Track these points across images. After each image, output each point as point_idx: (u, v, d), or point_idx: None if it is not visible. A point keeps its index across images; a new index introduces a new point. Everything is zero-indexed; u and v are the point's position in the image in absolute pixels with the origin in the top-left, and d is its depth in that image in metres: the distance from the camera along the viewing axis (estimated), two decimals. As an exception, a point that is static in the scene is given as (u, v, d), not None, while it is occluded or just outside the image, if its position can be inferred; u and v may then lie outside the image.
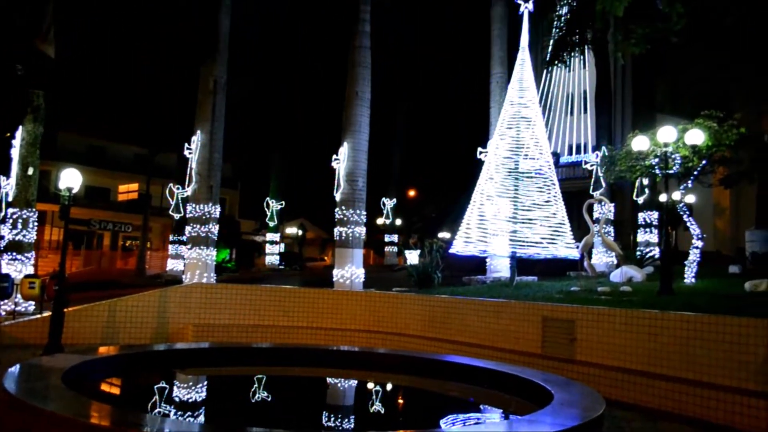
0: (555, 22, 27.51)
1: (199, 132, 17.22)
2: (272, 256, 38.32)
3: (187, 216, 17.22)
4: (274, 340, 14.05)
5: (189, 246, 16.88)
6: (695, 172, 14.55)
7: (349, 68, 17.45)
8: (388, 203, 37.79)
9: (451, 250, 16.75)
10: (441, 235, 43.40)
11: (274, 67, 36.11)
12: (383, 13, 22.75)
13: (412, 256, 37.46)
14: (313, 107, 38.84)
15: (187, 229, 17.02)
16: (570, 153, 38.47)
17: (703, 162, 14.36)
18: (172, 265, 31.06)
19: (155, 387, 8.23)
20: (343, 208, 16.73)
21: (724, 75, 29.06)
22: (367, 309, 14.69)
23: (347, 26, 17.92)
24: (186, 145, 17.41)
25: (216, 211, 17.12)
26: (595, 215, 19.54)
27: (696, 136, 13.07)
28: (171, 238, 33.52)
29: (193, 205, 16.97)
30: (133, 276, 33.63)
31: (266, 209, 38.01)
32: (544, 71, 36.85)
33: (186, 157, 17.45)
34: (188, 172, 17.32)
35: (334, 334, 14.32)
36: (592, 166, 20.40)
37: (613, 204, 20.58)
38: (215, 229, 17.09)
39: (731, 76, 28.54)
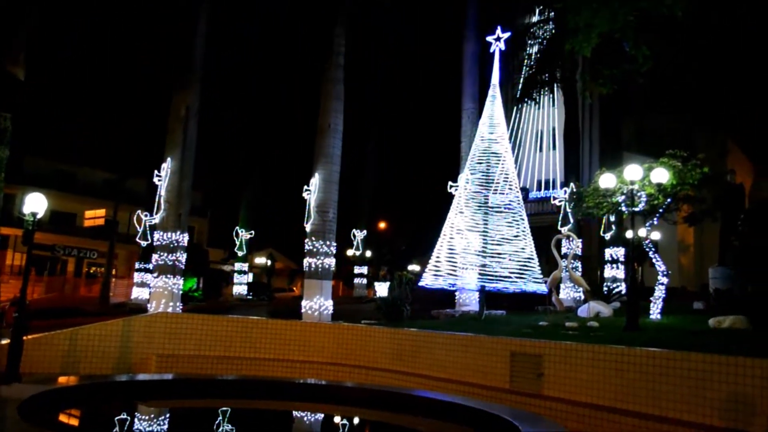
0: (526, 61, 28.08)
1: (169, 159, 17.11)
2: (240, 286, 37.87)
3: (155, 244, 17.01)
4: (240, 372, 13.82)
5: (155, 274, 16.64)
6: (660, 210, 14.82)
7: (322, 100, 17.57)
8: (359, 235, 37.74)
9: (420, 283, 16.76)
10: (411, 267, 43.48)
11: (247, 96, 36.13)
12: (358, 45, 23.02)
13: (382, 288, 37.35)
14: (286, 137, 38.84)
15: (154, 257, 16.80)
16: (539, 188, 38.95)
17: (668, 200, 14.65)
18: (138, 293, 30.46)
19: (116, 419, 8.03)
20: (313, 239, 16.68)
21: (688, 115, 29.86)
22: (336, 341, 14.56)
23: (321, 58, 18.08)
24: (156, 171, 17.26)
25: (184, 239, 16.94)
26: (563, 250, 19.74)
27: (661, 175, 13.35)
28: (137, 265, 32.89)
29: (161, 233, 16.77)
30: (97, 304, 32.91)
31: (235, 238, 37.67)
32: (515, 108, 37.43)
33: (155, 183, 17.29)
34: (157, 199, 17.17)
35: (302, 367, 14.14)
36: (560, 202, 20.67)
37: (580, 240, 20.81)
38: (183, 257, 16.88)
39: (695, 116, 29.33)
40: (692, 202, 16.78)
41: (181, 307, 17.15)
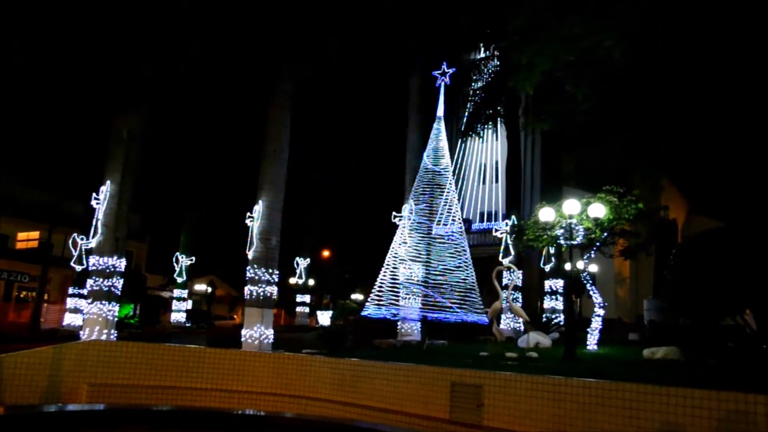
0: (471, 95, 28.68)
1: (108, 182, 16.72)
2: (179, 313, 37.03)
3: (90, 268, 16.51)
4: (176, 403, 13.42)
5: (90, 300, 16.13)
6: (597, 243, 15.24)
7: (268, 126, 17.52)
8: (302, 263, 37.48)
9: (363, 313, 16.71)
10: (354, 296, 43.34)
11: (191, 120, 35.70)
12: (305, 73, 23.10)
13: (324, 317, 37.09)
14: (230, 163, 38.46)
15: (89, 282, 16.30)
16: (481, 220, 39.54)
17: (605, 234, 15.09)
18: (71, 319, 29.42)
19: (42, 452, 7.66)
20: (255, 266, 16.48)
21: (625, 153, 30.87)
22: (276, 371, 14.31)
23: (269, 85, 18.08)
24: (94, 194, 16.82)
25: (121, 264, 16.50)
26: (504, 281, 20.02)
27: (598, 210, 13.77)
28: (71, 290, 31.84)
29: (97, 258, 16.31)
30: (27, 330, 31.57)
31: (175, 264, 36.90)
32: (459, 141, 38.12)
33: (93, 206, 16.84)
34: (94, 223, 16.70)
35: (240, 397, 13.83)
36: (501, 234, 21.03)
37: (521, 271, 21.17)
38: (119, 283, 16.43)
39: (631, 154, 30.34)
40: (627, 237, 17.32)
41: (115, 334, 16.61)
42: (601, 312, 14.87)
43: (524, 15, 10.65)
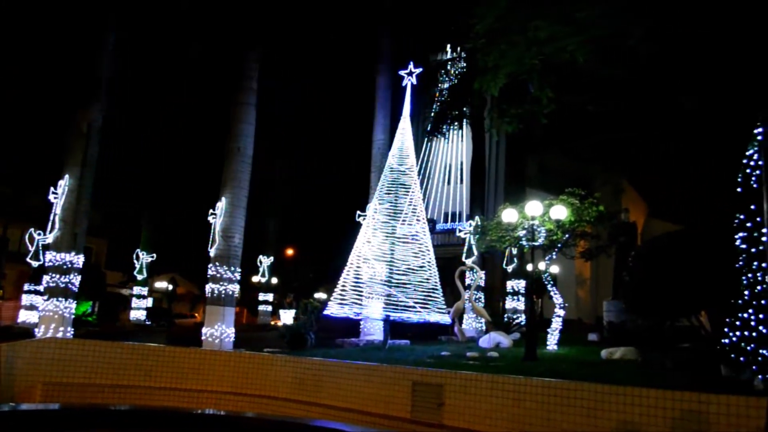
0: (437, 96, 28.81)
1: (67, 176, 16.36)
2: (138, 311, 36.45)
3: (47, 264, 16.13)
4: (135, 402, 13.21)
5: (46, 297, 15.76)
6: (559, 245, 15.44)
7: (232, 123, 17.33)
8: (265, 261, 37.22)
9: (325, 312, 16.66)
10: (317, 295, 43.14)
11: (154, 115, 35.16)
12: (271, 70, 22.94)
13: (287, 316, 36.88)
14: (192, 159, 37.97)
15: (45, 278, 15.93)
16: (446, 220, 39.72)
17: (566, 235, 15.29)
18: (26, 316, 28.65)
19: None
20: (217, 264, 16.30)
21: (587, 156, 31.41)
22: (236, 370, 14.18)
23: (233, 81, 17.89)
24: (52, 188, 16.44)
25: (79, 260, 16.16)
26: (467, 282, 20.15)
27: (560, 212, 13.96)
28: (26, 287, 31.06)
29: (54, 253, 15.94)
30: (-21, 328, 30.72)
31: (135, 261, 36.32)
32: (425, 141, 38.25)
33: (51, 201, 16.46)
34: (52, 218, 16.32)
35: (200, 397, 13.69)
36: (465, 234, 21.15)
37: (483, 271, 21.33)
38: (77, 279, 16.09)
39: (593, 157, 30.87)
40: (588, 238, 17.59)
41: (72, 332, 16.27)
42: (562, 312, 15.07)
43: (490, 18, 10.71)
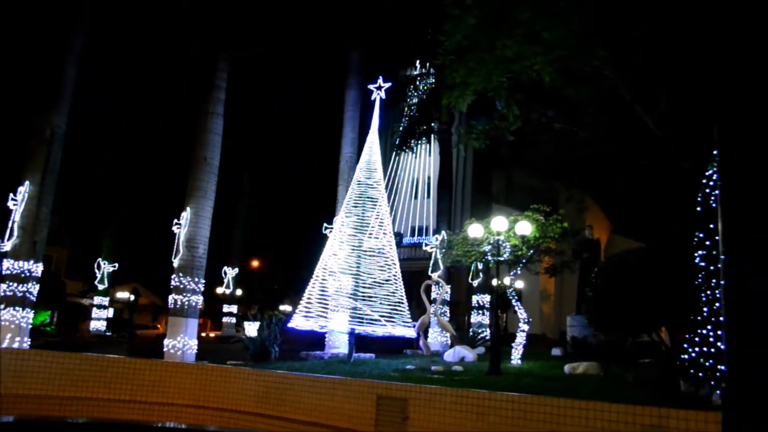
0: (406, 110, 28.97)
1: (27, 183, 16.01)
2: (99, 321, 35.72)
3: (4, 273, 15.73)
4: (93, 415, 12.94)
5: (2, 306, 15.36)
6: (523, 260, 15.60)
7: (199, 133, 17.18)
8: (230, 272, 36.87)
9: (290, 324, 16.54)
10: (283, 307, 42.83)
11: (119, 122, 34.70)
12: (240, 81, 22.87)
13: (251, 328, 36.49)
14: (157, 168, 37.52)
15: (2, 287, 15.52)
16: (413, 234, 39.87)
17: (531, 251, 15.47)
18: (-20, 327, 27.91)
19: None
20: (181, 274, 16.08)
21: (551, 173, 31.85)
22: (198, 383, 13.97)
23: (201, 91, 17.76)
24: (11, 195, 16.08)
25: (38, 269, 15.80)
26: (433, 296, 20.21)
27: (525, 228, 14.13)
28: (-18, 296, 30.25)
29: (12, 262, 15.56)
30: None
31: (97, 270, 35.65)
32: (393, 155, 38.41)
33: (9, 208, 16.09)
34: (10, 225, 15.94)
35: (161, 409, 13.44)
36: (431, 248, 21.23)
37: (449, 286, 21.42)
38: (35, 288, 15.72)
39: (557, 174, 31.32)
40: (553, 254, 17.81)
41: (29, 342, 15.88)
42: (526, 327, 15.21)
43: (459, 35, 10.83)
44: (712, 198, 9.04)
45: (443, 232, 21.08)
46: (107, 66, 29.82)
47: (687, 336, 9.15)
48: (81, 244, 48.92)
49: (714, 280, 8.77)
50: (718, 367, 8.55)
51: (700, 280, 9.00)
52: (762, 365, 6.01)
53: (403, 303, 16.00)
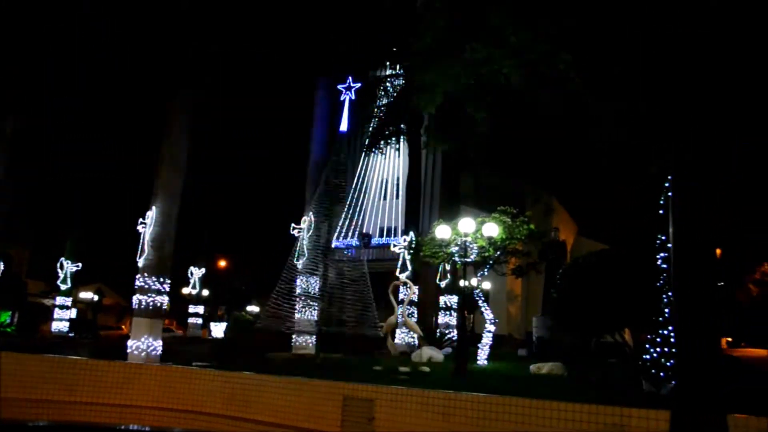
0: (375, 112, 28.96)
1: (-13, 181, 15.67)
2: (61, 322, 34.99)
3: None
4: (54, 418, 12.69)
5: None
6: (490, 261, 15.73)
7: (165, 131, 16.93)
8: (197, 272, 36.48)
9: (257, 325, 16.45)
10: (250, 308, 42.51)
11: (83, 120, 34.09)
12: (209, 79, 22.62)
13: (218, 329, 36.13)
14: (123, 166, 37.02)
15: (-41, 287, 15.17)
16: (381, 235, 39.84)
17: (498, 252, 15.61)
18: (-63, 327, 27.23)
19: None
20: (146, 274, 15.85)
21: (520, 175, 32.21)
22: (162, 384, 13.78)
23: (168, 89, 17.51)
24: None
25: (-2, 269, 15.46)
26: (401, 296, 20.25)
27: (491, 229, 14.25)
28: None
29: (-30, 262, 15.21)
30: None
31: (59, 270, 34.94)
32: (362, 156, 38.37)
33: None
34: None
35: (123, 411, 13.24)
36: (399, 249, 21.28)
37: (417, 287, 21.48)
38: (-6, 289, 15.39)
39: (525, 177, 31.66)
40: (519, 256, 17.99)
41: (-12, 343, 15.52)
42: (492, 328, 15.33)
43: (428, 37, 10.89)
44: (670, 203, 9.23)
45: (411, 233, 21.14)
46: (73, 61, 29.34)
47: (649, 337, 9.33)
48: (43, 243, 47.96)
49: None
50: (679, 367, 8.75)
51: (661, 281, 9.18)
52: (707, 364, 6.20)
53: (370, 304, 16.03)
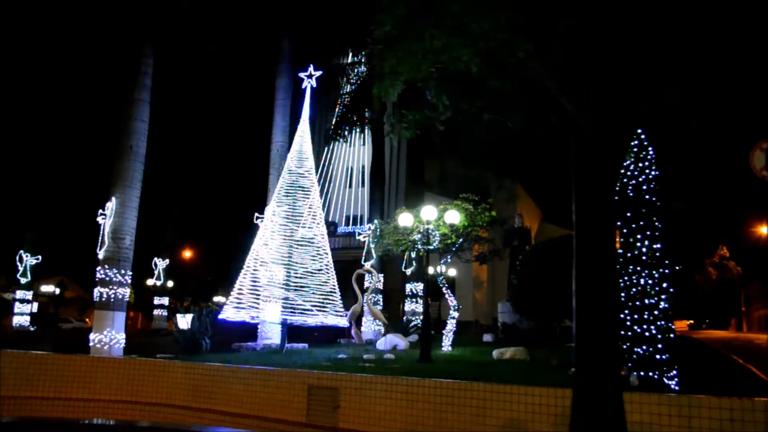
0: (339, 99, 28.87)
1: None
2: (22, 316, 34.33)
3: None
4: (15, 413, 12.48)
5: None
6: (453, 248, 15.85)
7: (124, 120, 16.62)
8: (161, 263, 36.06)
9: (220, 316, 16.33)
10: (217, 299, 42.20)
11: (40, 109, 33.36)
12: (167, 66, 22.29)
13: (184, 320, 35.81)
14: (84, 156, 36.29)
15: None
16: (347, 224, 39.89)
17: (460, 239, 15.73)
18: None
19: None
20: (106, 267, 15.62)
21: (483, 162, 32.38)
22: (126, 377, 13.65)
23: (127, 77, 17.18)
24: None
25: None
26: (366, 285, 20.30)
27: (453, 216, 14.35)
28: None
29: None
30: None
31: (19, 263, 34.22)
32: (327, 144, 38.22)
33: None
34: None
35: (86, 406, 13.10)
36: (364, 238, 21.31)
37: (381, 275, 21.55)
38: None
39: (488, 163, 31.85)
40: (482, 242, 18.15)
41: (-56, 339, 15.16)
42: (455, 314, 15.46)
43: (388, 25, 10.83)
44: (630, 188, 9.40)
45: (375, 221, 21.18)
46: (32, 51, 28.67)
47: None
48: (2, 236, 46.89)
49: (630, 266, 9.14)
50: (635, 349, 8.94)
51: (618, 266, 9.35)
52: (604, 343, 6.41)
53: (335, 292, 16.03)
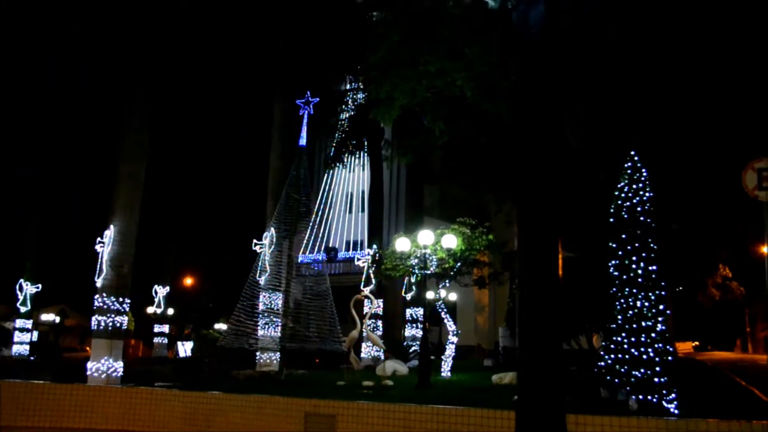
0: (338, 125, 29.01)
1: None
2: (21, 345, 34.16)
3: None
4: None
5: None
6: (452, 273, 15.80)
7: (123, 146, 16.68)
8: (161, 291, 35.97)
9: (221, 342, 16.26)
10: (218, 326, 41.97)
11: (40, 139, 33.51)
12: (167, 92, 22.43)
13: (185, 348, 35.61)
14: (83, 184, 36.38)
15: None
16: (347, 249, 39.77)
17: (458, 263, 15.69)
18: None
19: None
20: (104, 295, 15.58)
21: (481, 185, 32.37)
22: (123, 406, 13.54)
23: (126, 104, 17.26)
24: None
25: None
26: (365, 310, 20.19)
27: (450, 240, 14.33)
28: None
29: None
30: None
31: (19, 292, 34.15)
32: (326, 170, 38.32)
33: None
34: None
35: (84, 436, 12.99)
36: (363, 263, 21.26)
37: (380, 300, 21.46)
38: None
39: (486, 187, 31.84)
40: (481, 266, 18.10)
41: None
42: (454, 339, 15.38)
43: (382, 50, 10.96)
44: (624, 209, 9.39)
45: (374, 246, 21.16)
46: (29, 77, 28.93)
47: (603, 344, 9.44)
48: (2, 265, 46.84)
49: (627, 289, 9.10)
50: (633, 373, 8.86)
51: (614, 288, 9.31)
52: (546, 366, 6.41)
53: (334, 318, 15.96)
